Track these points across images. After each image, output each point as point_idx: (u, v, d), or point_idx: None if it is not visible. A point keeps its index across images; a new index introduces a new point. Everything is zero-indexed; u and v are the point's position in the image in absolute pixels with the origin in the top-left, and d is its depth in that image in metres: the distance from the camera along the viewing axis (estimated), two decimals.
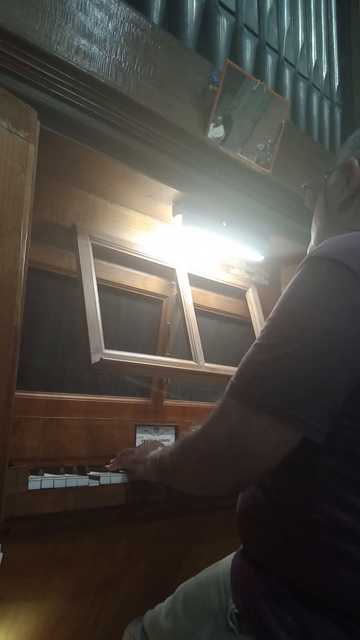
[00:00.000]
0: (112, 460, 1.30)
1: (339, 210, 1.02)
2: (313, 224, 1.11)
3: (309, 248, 1.13)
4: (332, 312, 0.75)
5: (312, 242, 1.12)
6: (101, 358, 1.33)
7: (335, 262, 0.78)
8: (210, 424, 0.85)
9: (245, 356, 0.84)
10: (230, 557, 1.01)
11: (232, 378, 0.84)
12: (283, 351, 0.77)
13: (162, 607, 1.09)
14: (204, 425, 0.86)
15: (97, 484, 1.13)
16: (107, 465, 1.28)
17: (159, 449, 1.11)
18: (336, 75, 2.59)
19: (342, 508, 0.78)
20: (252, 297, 2.00)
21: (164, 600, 1.11)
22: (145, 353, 1.54)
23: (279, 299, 0.84)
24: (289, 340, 0.77)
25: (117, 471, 1.24)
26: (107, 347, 1.38)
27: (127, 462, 1.20)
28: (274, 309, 0.84)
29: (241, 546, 0.98)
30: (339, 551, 0.77)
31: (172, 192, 1.54)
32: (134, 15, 1.39)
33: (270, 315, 0.84)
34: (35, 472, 1.16)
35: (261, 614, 0.82)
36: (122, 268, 1.63)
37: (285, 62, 2.21)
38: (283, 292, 0.84)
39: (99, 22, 1.30)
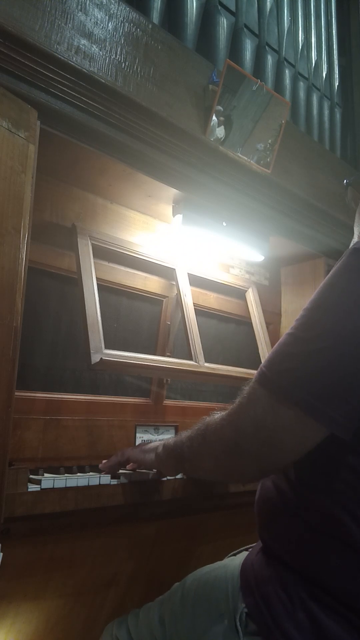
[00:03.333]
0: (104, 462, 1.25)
1: None
2: (357, 220, 1.09)
3: (352, 244, 1.12)
4: None
5: (355, 238, 1.10)
6: (101, 358, 1.33)
7: None
8: (236, 410, 0.84)
9: (277, 345, 0.83)
10: (237, 559, 1.01)
11: (261, 365, 0.83)
12: (318, 346, 0.76)
13: (155, 607, 1.07)
14: (230, 412, 0.85)
15: (97, 484, 1.13)
16: (100, 465, 1.23)
17: (167, 439, 1.09)
18: (336, 75, 2.59)
19: None
20: (252, 297, 2.00)
21: (155, 600, 1.10)
22: (145, 353, 1.54)
23: (317, 289, 0.82)
24: (324, 336, 0.76)
25: (116, 468, 1.22)
26: (107, 347, 1.38)
27: (135, 453, 1.17)
28: (311, 299, 0.82)
29: (254, 547, 0.98)
30: (358, 549, 0.77)
31: (172, 192, 1.54)
32: (134, 15, 1.39)
33: (307, 305, 0.82)
34: (35, 472, 1.16)
35: (272, 610, 0.82)
36: (122, 268, 1.63)
37: (285, 62, 2.21)
38: (322, 282, 0.82)
39: (99, 22, 1.30)
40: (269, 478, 0.93)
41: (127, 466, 1.25)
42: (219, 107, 1.53)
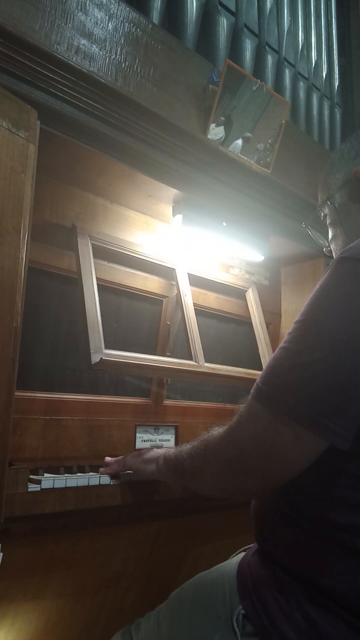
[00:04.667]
0: (107, 459, 1.26)
1: None
2: (334, 242, 1.09)
3: (334, 253, 1.12)
4: None
5: (337, 249, 1.10)
6: (101, 358, 1.33)
7: None
8: (235, 428, 0.84)
9: (272, 359, 0.83)
10: (233, 561, 1.01)
11: (257, 381, 0.83)
12: (312, 358, 0.76)
13: (155, 615, 1.07)
14: (229, 429, 0.85)
15: (97, 484, 1.13)
16: (102, 469, 1.23)
17: (167, 449, 1.09)
18: (336, 75, 2.59)
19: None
20: (252, 297, 2.00)
21: (155, 609, 1.10)
22: (145, 353, 1.54)
23: (308, 300, 0.81)
24: (318, 347, 0.76)
25: (117, 474, 1.22)
26: (107, 347, 1.38)
27: (136, 463, 1.17)
28: (302, 311, 0.82)
29: (250, 548, 0.98)
30: (356, 553, 0.77)
31: (172, 192, 1.54)
32: (134, 15, 1.39)
33: (299, 317, 0.81)
34: (35, 472, 1.16)
35: (269, 612, 0.82)
36: (122, 268, 1.63)
37: (285, 62, 2.21)
38: (312, 293, 0.82)
39: (99, 22, 1.30)
40: None
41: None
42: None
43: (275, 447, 0.78)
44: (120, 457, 1.24)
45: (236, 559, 1.01)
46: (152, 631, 1.04)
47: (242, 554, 1.03)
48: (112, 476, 1.19)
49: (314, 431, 0.75)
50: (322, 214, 1.13)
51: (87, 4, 1.28)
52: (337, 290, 0.78)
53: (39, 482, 1.05)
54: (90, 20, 1.28)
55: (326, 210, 1.11)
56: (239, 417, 0.84)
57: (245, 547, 1.08)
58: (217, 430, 0.88)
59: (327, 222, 1.12)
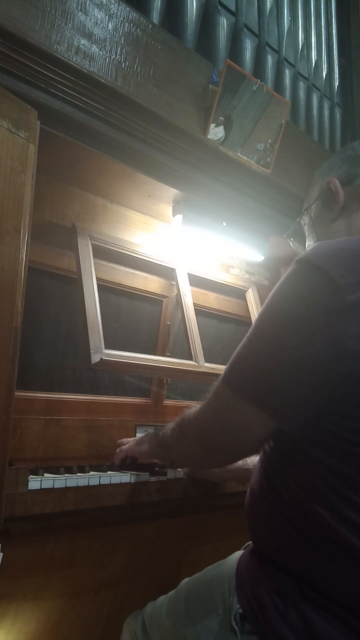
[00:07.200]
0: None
1: (332, 222, 1.09)
2: (309, 246, 1.18)
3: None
4: (304, 317, 0.81)
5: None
6: (101, 358, 1.33)
7: (314, 267, 0.82)
8: (204, 405, 0.96)
9: (238, 347, 0.93)
10: (234, 557, 1.02)
11: (226, 366, 0.93)
12: (261, 348, 0.86)
13: (164, 602, 1.10)
14: (200, 406, 0.97)
15: (97, 484, 1.13)
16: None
17: (157, 429, 1.19)
18: (336, 75, 2.59)
19: (347, 505, 0.79)
20: (252, 297, 2.00)
21: (167, 594, 1.12)
22: (145, 353, 1.54)
23: (268, 296, 0.90)
24: (266, 339, 0.86)
25: (122, 463, 1.28)
26: (107, 347, 1.38)
27: (131, 447, 1.27)
28: (263, 304, 0.91)
29: (248, 546, 0.99)
30: (345, 547, 0.78)
31: (172, 192, 1.54)
32: (134, 15, 1.39)
33: (260, 310, 0.91)
34: (35, 472, 1.16)
35: (265, 611, 0.83)
36: (122, 268, 1.63)
37: (285, 62, 2.21)
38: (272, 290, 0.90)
39: (99, 22, 1.30)
40: (257, 482, 0.97)
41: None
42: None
43: (230, 422, 0.89)
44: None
45: (237, 555, 1.02)
46: (158, 620, 1.08)
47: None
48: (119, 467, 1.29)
49: (260, 408, 0.84)
50: (303, 224, 1.23)
51: (87, 4, 1.28)
52: (286, 289, 0.87)
53: (39, 482, 1.05)
54: (90, 20, 1.28)
55: (305, 220, 1.20)
56: (207, 395, 0.95)
57: (247, 543, 1.09)
58: (194, 408, 0.99)
59: (305, 232, 1.22)
